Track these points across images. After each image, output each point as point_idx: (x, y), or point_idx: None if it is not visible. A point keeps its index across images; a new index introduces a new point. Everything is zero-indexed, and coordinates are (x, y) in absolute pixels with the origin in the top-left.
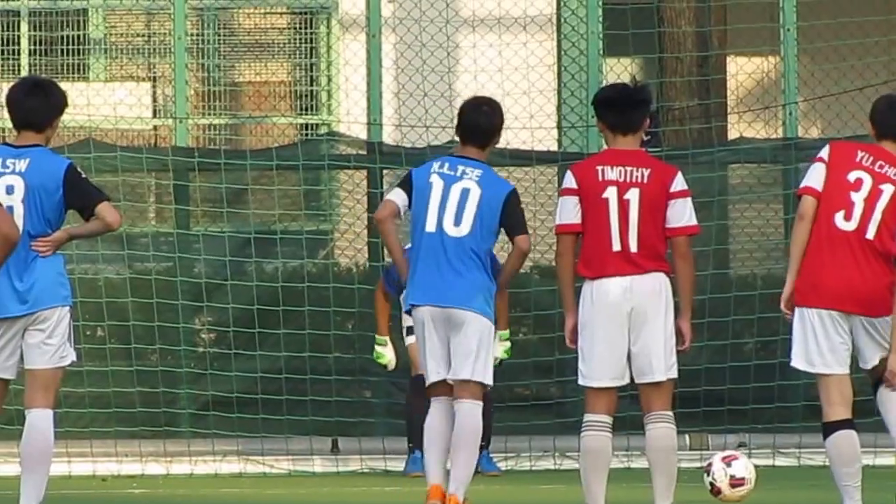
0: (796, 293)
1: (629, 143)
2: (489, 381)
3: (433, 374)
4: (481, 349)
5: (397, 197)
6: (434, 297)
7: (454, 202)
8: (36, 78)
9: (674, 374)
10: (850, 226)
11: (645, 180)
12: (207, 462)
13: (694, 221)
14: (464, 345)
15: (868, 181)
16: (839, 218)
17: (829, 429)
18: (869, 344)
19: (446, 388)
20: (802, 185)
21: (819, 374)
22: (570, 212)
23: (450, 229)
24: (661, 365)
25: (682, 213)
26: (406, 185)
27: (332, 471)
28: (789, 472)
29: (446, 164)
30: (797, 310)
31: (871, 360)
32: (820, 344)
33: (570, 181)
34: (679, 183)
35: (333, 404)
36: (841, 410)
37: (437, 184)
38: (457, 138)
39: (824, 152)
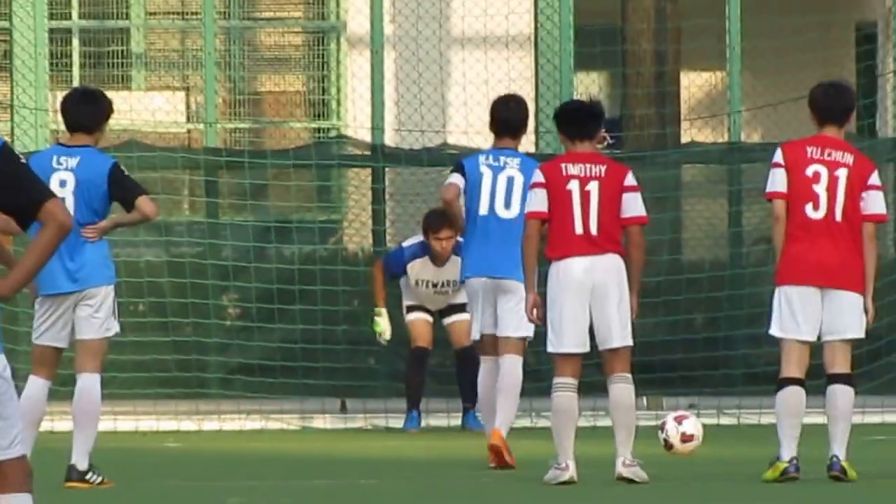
0: (777, 275)
1: (586, 147)
2: (531, 333)
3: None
4: (522, 311)
5: (458, 181)
6: (487, 270)
7: (502, 189)
8: (86, 88)
9: (629, 341)
10: (820, 214)
11: (603, 175)
12: (234, 420)
13: (643, 212)
14: (510, 308)
15: (824, 172)
16: (809, 209)
17: (783, 384)
18: (836, 316)
19: (493, 347)
20: (769, 190)
21: (788, 338)
22: (539, 202)
23: (501, 212)
24: (618, 334)
25: (633, 205)
26: (461, 172)
27: (341, 427)
28: (731, 429)
29: (490, 157)
30: (777, 288)
31: (842, 331)
32: (795, 315)
33: (538, 177)
34: (630, 179)
35: (342, 370)
36: (796, 370)
37: (486, 173)
38: (451, 141)
39: (779, 156)
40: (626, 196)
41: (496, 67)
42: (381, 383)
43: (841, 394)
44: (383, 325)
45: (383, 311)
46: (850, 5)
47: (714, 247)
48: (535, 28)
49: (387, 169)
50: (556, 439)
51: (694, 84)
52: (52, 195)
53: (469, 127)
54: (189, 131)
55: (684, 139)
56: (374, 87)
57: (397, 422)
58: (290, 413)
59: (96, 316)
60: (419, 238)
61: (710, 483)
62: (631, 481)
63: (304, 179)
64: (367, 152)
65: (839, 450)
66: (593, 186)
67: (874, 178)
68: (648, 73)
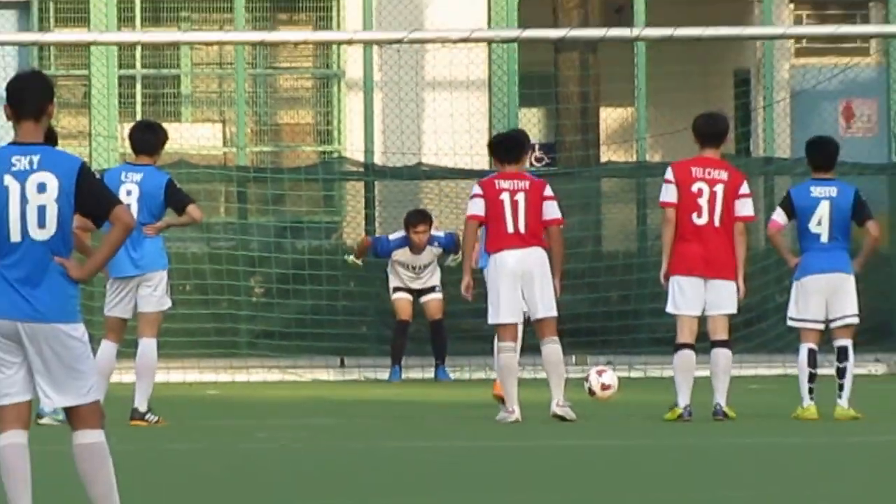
0: (670, 268)
1: (514, 168)
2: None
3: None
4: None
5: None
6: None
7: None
8: (147, 120)
9: (553, 312)
10: (703, 221)
11: (528, 188)
12: (258, 373)
13: (560, 215)
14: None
15: (706, 188)
16: (694, 217)
17: (678, 347)
18: (716, 297)
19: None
20: (662, 199)
21: (681, 314)
22: (477, 208)
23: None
24: (543, 307)
25: (552, 210)
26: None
27: (341, 379)
28: (639, 381)
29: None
30: (671, 278)
31: (717, 307)
32: (686, 297)
33: (477, 189)
34: (548, 191)
35: (342, 335)
36: (689, 337)
37: (505, 195)
38: (424, 160)
39: (670, 174)
40: (545, 203)
41: (459, 104)
42: (371, 345)
43: (721, 355)
44: (352, 260)
45: (358, 260)
46: (730, 56)
47: (626, 241)
48: (489, 74)
49: (375, 182)
50: (503, 388)
51: (610, 117)
52: (119, 202)
53: (438, 150)
54: (225, 153)
55: (603, 159)
56: (366, 120)
57: (384, 374)
58: (301, 368)
59: (154, 294)
60: (402, 233)
61: (624, 421)
62: (563, 419)
63: (313, 190)
64: (361, 169)
65: (721, 398)
66: (520, 196)
67: (744, 188)
68: (575, 109)
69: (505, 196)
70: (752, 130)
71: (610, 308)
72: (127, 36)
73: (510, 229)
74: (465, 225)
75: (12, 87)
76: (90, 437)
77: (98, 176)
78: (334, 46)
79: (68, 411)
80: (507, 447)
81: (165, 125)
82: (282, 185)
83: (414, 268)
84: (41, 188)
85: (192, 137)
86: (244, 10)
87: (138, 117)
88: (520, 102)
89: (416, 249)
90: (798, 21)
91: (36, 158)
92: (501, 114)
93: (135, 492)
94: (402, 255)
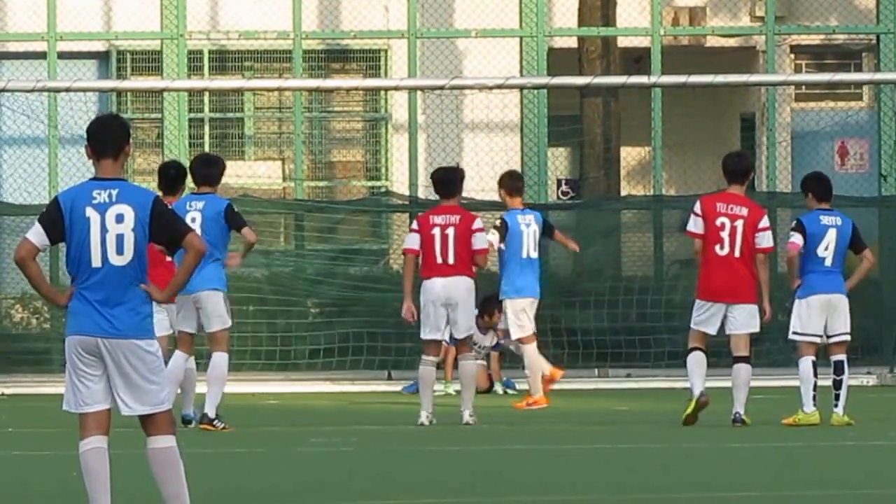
0: (698, 291)
1: (450, 202)
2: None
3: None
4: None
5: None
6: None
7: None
8: (206, 154)
9: (471, 332)
10: (724, 252)
11: (458, 222)
12: (314, 385)
13: (485, 245)
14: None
15: (727, 223)
16: (717, 248)
17: (690, 351)
18: (737, 319)
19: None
20: (689, 230)
21: (699, 329)
22: (412, 242)
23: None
24: (462, 329)
25: (479, 241)
26: (503, 228)
27: (388, 390)
28: (655, 392)
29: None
30: (697, 301)
31: (737, 328)
32: (705, 317)
33: (414, 225)
34: (478, 223)
35: (389, 350)
36: (699, 343)
37: (437, 230)
38: (465, 195)
39: (698, 208)
40: (474, 235)
41: (494, 144)
42: (416, 359)
43: (742, 370)
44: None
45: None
46: (736, 101)
47: (643, 266)
48: (522, 117)
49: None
50: (421, 396)
51: (630, 155)
52: (191, 230)
53: (476, 185)
54: (284, 188)
55: (623, 193)
56: (411, 158)
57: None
58: (353, 380)
59: (215, 314)
60: None
61: (635, 427)
62: (468, 424)
63: (363, 221)
64: (406, 202)
65: (740, 407)
66: (451, 231)
67: (763, 222)
68: (599, 148)
69: (436, 231)
70: (756, 167)
71: (629, 326)
72: (196, 83)
73: (439, 259)
74: (403, 257)
75: (93, 129)
76: (164, 443)
77: (170, 207)
78: (382, 92)
79: (143, 418)
80: (538, 451)
81: (230, 163)
82: (335, 216)
83: None
84: (119, 219)
85: (254, 174)
86: (301, 60)
87: None
88: (548, 142)
89: (483, 330)
90: (798, 69)
91: (115, 192)
92: (532, 152)
93: (201, 491)
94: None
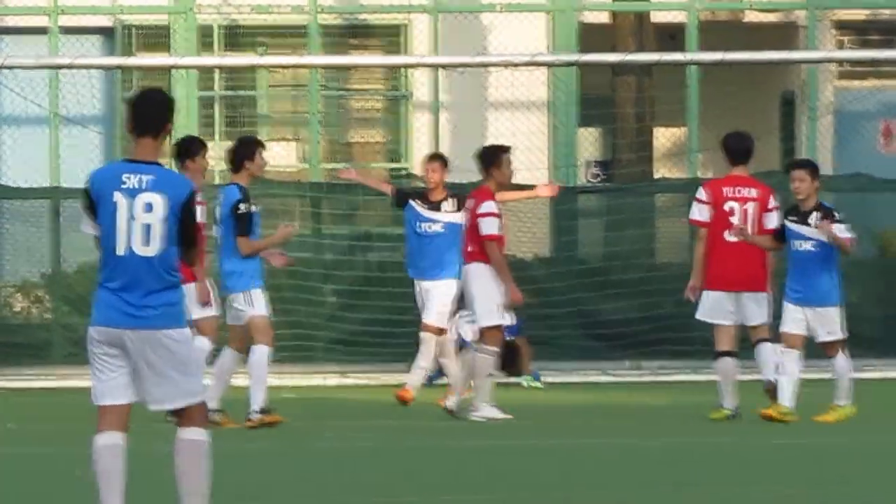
0: (705, 281)
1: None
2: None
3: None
4: None
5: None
6: None
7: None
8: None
9: (483, 322)
10: (734, 238)
11: (472, 206)
12: (332, 377)
13: (492, 231)
14: None
15: (737, 207)
16: (726, 234)
17: (718, 355)
18: (748, 308)
19: None
20: (694, 217)
21: (714, 323)
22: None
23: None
24: (480, 317)
25: (485, 227)
26: None
27: (405, 382)
28: (690, 385)
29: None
30: (705, 292)
31: (751, 319)
32: (716, 308)
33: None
34: (485, 207)
35: (406, 342)
36: (727, 344)
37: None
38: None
39: (702, 194)
40: (480, 220)
41: (521, 124)
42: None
43: (763, 349)
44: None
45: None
46: (777, 78)
47: (678, 253)
48: (550, 96)
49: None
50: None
51: (663, 136)
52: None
53: None
54: (300, 170)
55: (656, 175)
56: (433, 139)
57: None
58: (370, 372)
59: (239, 310)
60: None
61: (666, 421)
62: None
63: (383, 205)
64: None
65: (769, 374)
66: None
67: (772, 202)
68: (631, 129)
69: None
70: (796, 149)
71: (663, 315)
72: (207, 60)
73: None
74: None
75: (135, 102)
76: (192, 434)
77: (196, 209)
78: (403, 70)
79: (175, 411)
80: (564, 446)
81: None
82: (353, 200)
83: None
84: (148, 208)
85: (268, 156)
86: (318, 36)
87: (217, 137)
88: (578, 122)
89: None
90: (841, 46)
91: (147, 178)
92: (561, 133)
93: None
94: None
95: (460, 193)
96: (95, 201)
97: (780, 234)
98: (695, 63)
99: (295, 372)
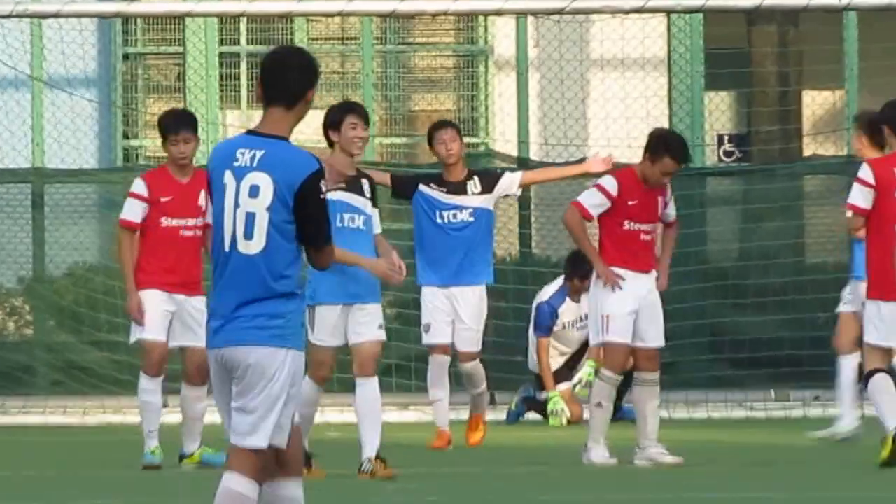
0: (870, 289)
1: None
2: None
3: None
4: None
5: None
6: None
7: None
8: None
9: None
10: None
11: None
12: (389, 412)
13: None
14: None
15: None
16: None
17: (871, 374)
18: None
19: None
20: (855, 203)
21: (878, 345)
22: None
23: None
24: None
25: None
26: None
27: (492, 419)
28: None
29: None
30: (871, 303)
31: None
32: (886, 323)
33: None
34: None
35: (491, 365)
36: (879, 362)
37: None
38: (591, 153)
39: (867, 173)
40: None
41: (632, 87)
42: (523, 378)
43: None
44: (560, 406)
45: (557, 394)
46: None
47: (835, 250)
48: (669, 51)
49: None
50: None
51: (815, 102)
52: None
53: (609, 141)
54: None
55: (806, 153)
56: (520, 106)
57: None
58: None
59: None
60: (557, 284)
61: (819, 468)
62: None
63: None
64: (514, 165)
65: None
66: None
67: None
68: (773, 93)
69: None
70: None
71: (816, 333)
72: (230, 6)
73: None
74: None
75: (267, 64)
76: (229, 482)
77: (324, 193)
78: (480, 18)
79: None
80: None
81: None
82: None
83: (581, 319)
84: (253, 191)
85: (307, 127)
86: None
87: (243, 103)
88: (705, 85)
89: (576, 297)
90: None
91: (259, 154)
92: (683, 98)
93: None
94: (566, 310)
95: (484, 171)
96: (210, 183)
97: None
98: (853, 8)
99: (338, 404)
